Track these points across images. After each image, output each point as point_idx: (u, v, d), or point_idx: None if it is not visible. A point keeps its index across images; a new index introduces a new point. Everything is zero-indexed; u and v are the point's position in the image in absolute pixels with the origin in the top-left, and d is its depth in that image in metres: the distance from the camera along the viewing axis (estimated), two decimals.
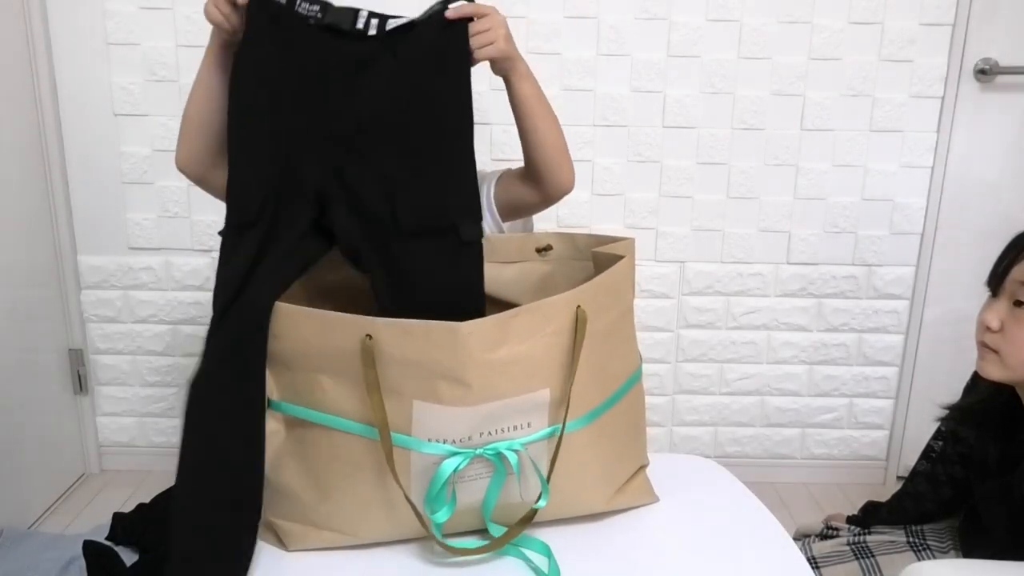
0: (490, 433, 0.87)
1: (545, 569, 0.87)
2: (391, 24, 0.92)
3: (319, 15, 0.91)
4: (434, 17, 0.92)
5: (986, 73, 1.71)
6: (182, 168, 1.05)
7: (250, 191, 0.91)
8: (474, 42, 0.94)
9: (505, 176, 1.17)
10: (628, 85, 1.73)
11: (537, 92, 1.05)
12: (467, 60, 0.94)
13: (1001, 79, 1.73)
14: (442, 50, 0.93)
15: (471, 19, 0.94)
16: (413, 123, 0.93)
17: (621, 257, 0.95)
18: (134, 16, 1.69)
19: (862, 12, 1.70)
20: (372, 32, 0.92)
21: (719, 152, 1.78)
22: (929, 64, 1.73)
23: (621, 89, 1.73)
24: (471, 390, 0.83)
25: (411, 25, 0.92)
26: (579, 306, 0.87)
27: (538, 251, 1.06)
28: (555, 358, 0.87)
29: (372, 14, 0.92)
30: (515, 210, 1.17)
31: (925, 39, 1.71)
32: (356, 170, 0.92)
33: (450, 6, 0.93)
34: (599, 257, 1.00)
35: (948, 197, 1.80)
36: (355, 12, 0.91)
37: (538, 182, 1.10)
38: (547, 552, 0.89)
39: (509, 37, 0.98)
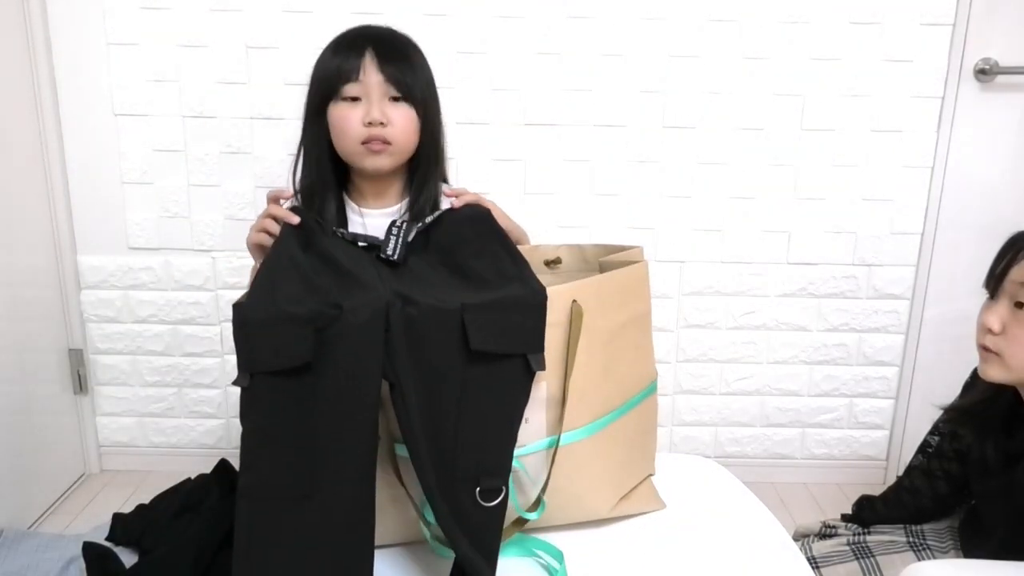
0: None
1: (555, 570, 0.87)
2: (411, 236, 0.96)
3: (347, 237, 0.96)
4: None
5: (986, 73, 1.71)
6: None
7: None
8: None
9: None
10: (628, 85, 1.73)
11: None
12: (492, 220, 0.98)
13: (1001, 79, 1.73)
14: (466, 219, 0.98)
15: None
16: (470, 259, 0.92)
17: (630, 264, 0.94)
18: (134, 16, 1.69)
19: (862, 12, 1.70)
20: (395, 257, 0.94)
21: (719, 152, 1.78)
22: (929, 64, 1.72)
23: (621, 89, 1.73)
24: None
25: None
26: (575, 300, 0.87)
27: (547, 264, 1.05)
28: (552, 352, 0.86)
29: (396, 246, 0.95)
30: None
31: (925, 39, 1.71)
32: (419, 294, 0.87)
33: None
34: (606, 266, 1.00)
35: (948, 197, 1.80)
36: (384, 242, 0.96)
37: None
38: (560, 558, 0.89)
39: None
